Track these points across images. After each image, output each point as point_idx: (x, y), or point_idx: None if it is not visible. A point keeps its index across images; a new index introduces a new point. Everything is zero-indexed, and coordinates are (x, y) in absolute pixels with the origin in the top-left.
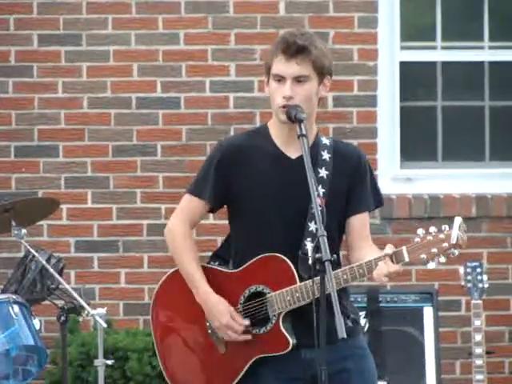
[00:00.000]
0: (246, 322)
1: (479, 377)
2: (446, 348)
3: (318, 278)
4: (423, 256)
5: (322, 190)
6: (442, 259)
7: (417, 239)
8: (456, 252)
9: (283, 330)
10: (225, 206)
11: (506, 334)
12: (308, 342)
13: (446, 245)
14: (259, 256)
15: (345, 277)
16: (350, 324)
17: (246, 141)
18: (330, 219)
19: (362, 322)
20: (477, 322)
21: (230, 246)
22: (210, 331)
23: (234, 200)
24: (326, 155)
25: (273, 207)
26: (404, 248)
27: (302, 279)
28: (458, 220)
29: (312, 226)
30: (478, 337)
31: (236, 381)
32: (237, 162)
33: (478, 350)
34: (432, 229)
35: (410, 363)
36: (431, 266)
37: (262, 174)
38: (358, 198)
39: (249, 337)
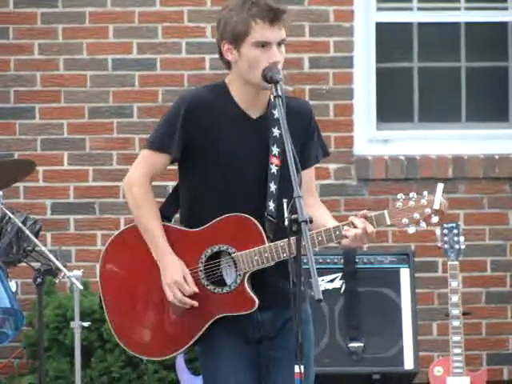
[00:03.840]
0: (196, 289)
1: (456, 338)
2: (422, 309)
3: (293, 238)
4: (405, 220)
5: (276, 150)
6: (423, 225)
7: (398, 203)
8: (436, 219)
9: (249, 290)
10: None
11: (482, 295)
12: (261, 303)
13: (428, 210)
14: (223, 216)
15: (319, 238)
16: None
17: (208, 96)
18: (286, 178)
19: (339, 283)
20: (453, 284)
21: (179, 204)
22: None
23: (194, 155)
24: (277, 113)
25: (234, 166)
26: (386, 211)
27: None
28: (440, 186)
29: (272, 187)
30: (455, 298)
31: (194, 339)
32: (201, 116)
33: (455, 312)
34: (412, 194)
35: (386, 325)
36: (411, 230)
37: (224, 132)
38: (309, 152)
39: (195, 303)
